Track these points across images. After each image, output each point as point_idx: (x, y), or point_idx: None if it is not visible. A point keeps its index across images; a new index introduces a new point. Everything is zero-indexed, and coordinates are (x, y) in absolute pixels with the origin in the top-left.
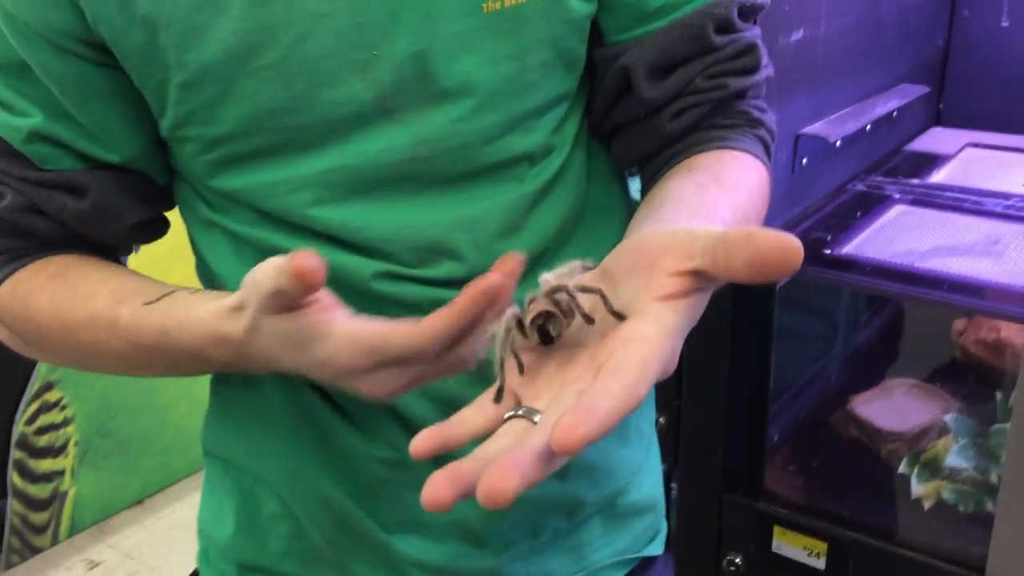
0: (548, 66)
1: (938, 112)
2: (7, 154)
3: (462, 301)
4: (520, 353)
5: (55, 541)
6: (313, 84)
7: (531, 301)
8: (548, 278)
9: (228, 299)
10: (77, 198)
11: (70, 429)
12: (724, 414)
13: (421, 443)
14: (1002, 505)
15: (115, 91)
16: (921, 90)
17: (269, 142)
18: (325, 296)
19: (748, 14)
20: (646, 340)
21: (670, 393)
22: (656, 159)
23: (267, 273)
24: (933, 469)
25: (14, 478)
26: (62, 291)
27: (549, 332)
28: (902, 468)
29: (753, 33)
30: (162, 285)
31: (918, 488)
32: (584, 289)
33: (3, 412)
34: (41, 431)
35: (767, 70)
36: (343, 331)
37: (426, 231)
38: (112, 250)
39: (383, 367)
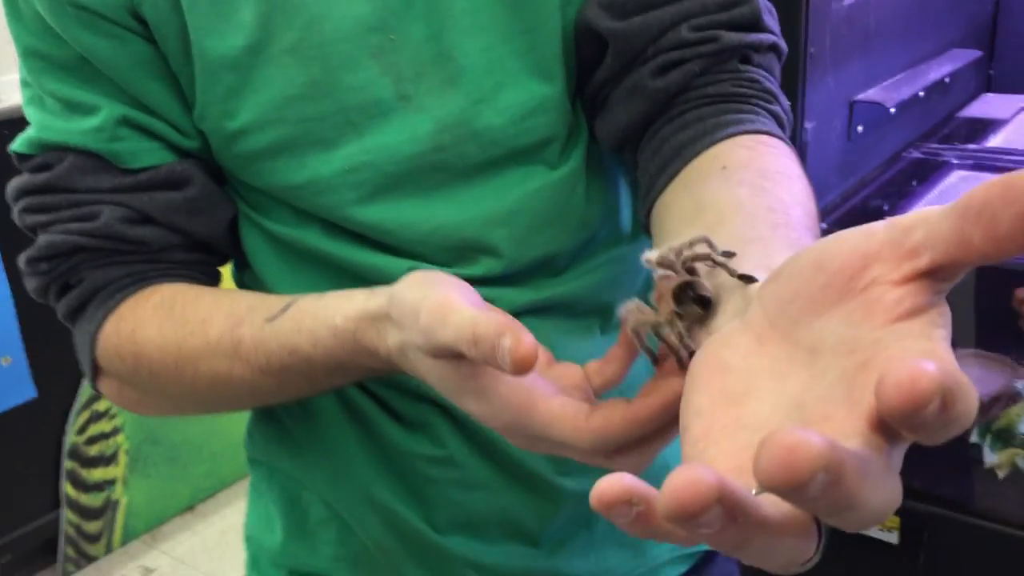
0: (560, 39)
1: (989, 78)
2: (92, 170)
3: (645, 408)
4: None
5: (109, 549)
6: (330, 68)
7: (659, 282)
8: (665, 254)
9: (367, 304)
10: (182, 189)
11: (120, 438)
12: None
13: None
14: None
15: (170, 72)
16: (973, 54)
17: (289, 134)
18: None
19: None
20: (930, 350)
21: None
22: (654, 136)
23: (447, 325)
24: (1006, 438)
25: (67, 488)
26: (170, 321)
27: (705, 296)
28: (973, 438)
29: None
30: (280, 298)
31: (991, 458)
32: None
33: (55, 423)
34: (92, 440)
35: (776, 38)
36: (504, 399)
37: (460, 229)
38: (214, 267)
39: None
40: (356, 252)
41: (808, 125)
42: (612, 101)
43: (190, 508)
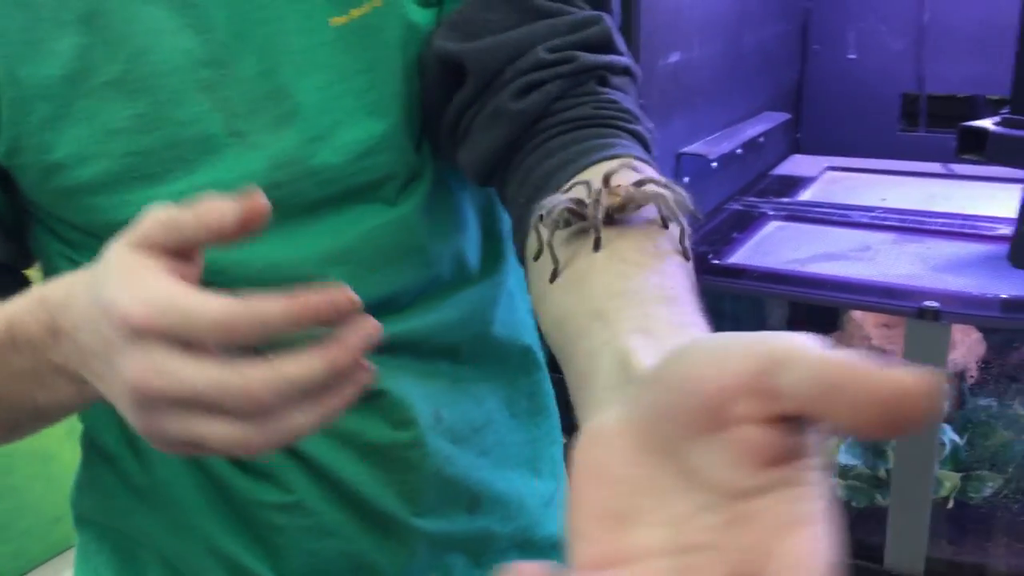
0: (401, 77)
1: (796, 140)
2: None
3: (312, 300)
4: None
5: None
6: (158, 102)
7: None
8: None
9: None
10: None
11: None
12: None
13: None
14: (894, 499)
15: None
16: (782, 116)
17: (112, 169)
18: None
19: None
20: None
21: (573, 414)
22: (519, 167)
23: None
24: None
25: None
26: None
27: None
28: None
29: (599, 13)
30: None
31: None
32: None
33: None
34: None
35: (629, 60)
36: (147, 276)
37: (295, 267)
38: None
39: (171, 354)
40: None
41: None
42: (474, 129)
43: None
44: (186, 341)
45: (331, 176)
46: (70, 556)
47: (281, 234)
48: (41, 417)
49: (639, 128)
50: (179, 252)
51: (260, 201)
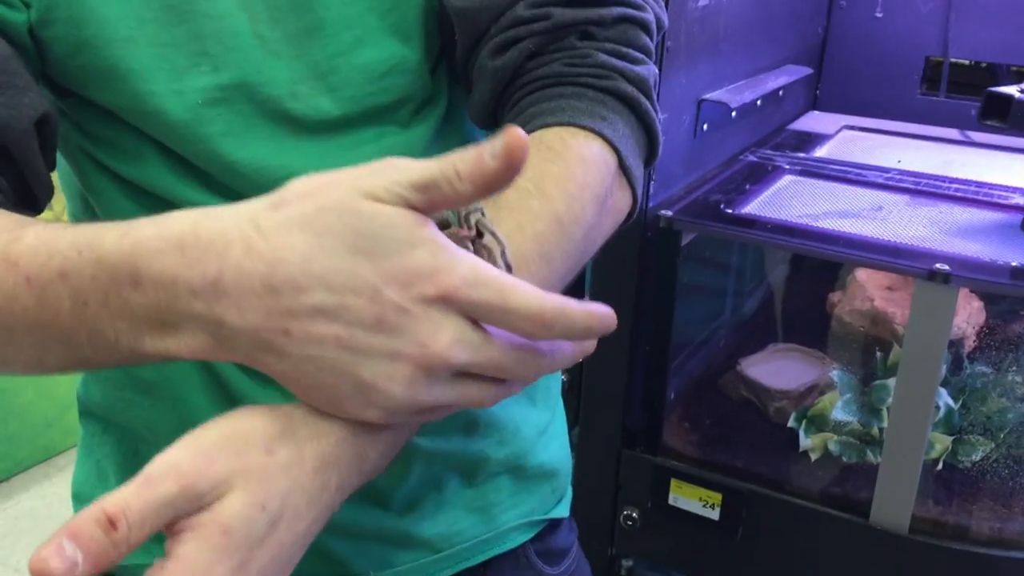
0: (422, 1)
1: (815, 97)
2: None
3: (601, 317)
4: None
5: None
6: None
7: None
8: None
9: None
10: None
11: None
12: (626, 372)
13: None
14: (885, 457)
15: None
16: (804, 71)
17: (139, 56)
18: None
19: None
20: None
21: None
22: (502, 119)
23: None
24: (819, 423)
25: None
26: None
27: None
28: (790, 423)
29: None
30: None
31: (806, 441)
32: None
33: None
34: None
35: (626, 9)
36: (442, 243)
37: None
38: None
39: (468, 325)
40: (207, 199)
41: (661, 117)
42: (472, 82)
43: None
44: (484, 318)
45: (350, 94)
46: (59, 461)
47: (298, 145)
48: (82, 364)
49: (612, 83)
50: (425, 211)
51: (518, 137)
